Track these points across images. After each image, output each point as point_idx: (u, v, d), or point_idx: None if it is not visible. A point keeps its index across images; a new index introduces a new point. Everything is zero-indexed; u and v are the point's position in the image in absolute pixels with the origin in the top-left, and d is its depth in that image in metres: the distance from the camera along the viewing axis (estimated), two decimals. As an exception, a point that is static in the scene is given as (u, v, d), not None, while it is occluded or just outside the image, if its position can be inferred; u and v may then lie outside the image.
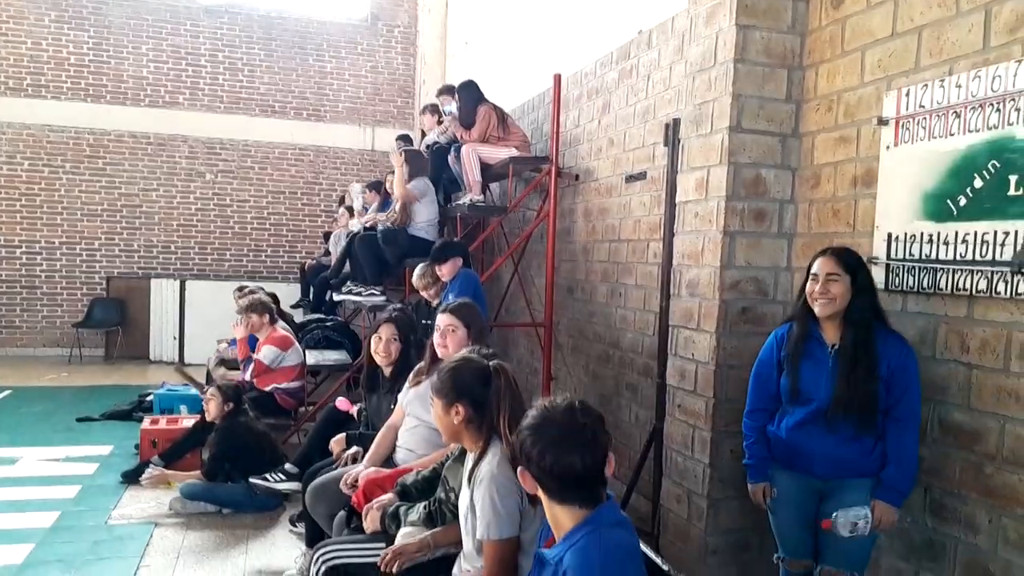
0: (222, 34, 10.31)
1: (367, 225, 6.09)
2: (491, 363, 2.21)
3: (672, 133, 3.77)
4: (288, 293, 8.81)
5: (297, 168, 10.70)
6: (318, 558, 2.45)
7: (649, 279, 4.68)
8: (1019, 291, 2.31)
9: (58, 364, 9.37)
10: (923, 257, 2.67)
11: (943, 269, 2.59)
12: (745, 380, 3.40)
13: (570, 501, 1.61)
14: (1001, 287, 2.37)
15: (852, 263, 2.50)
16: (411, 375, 3.29)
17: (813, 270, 2.55)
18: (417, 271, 4.87)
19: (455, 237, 6.39)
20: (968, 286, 2.49)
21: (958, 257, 2.53)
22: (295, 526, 4.21)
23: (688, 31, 4.25)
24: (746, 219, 3.37)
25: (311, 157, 10.72)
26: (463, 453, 2.44)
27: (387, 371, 3.63)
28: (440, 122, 7.08)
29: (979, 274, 2.45)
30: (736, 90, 3.32)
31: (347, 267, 6.56)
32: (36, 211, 9.88)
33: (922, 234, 2.68)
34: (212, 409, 4.69)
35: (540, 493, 1.66)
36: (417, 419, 3.18)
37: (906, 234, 2.75)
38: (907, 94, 2.78)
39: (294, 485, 4.10)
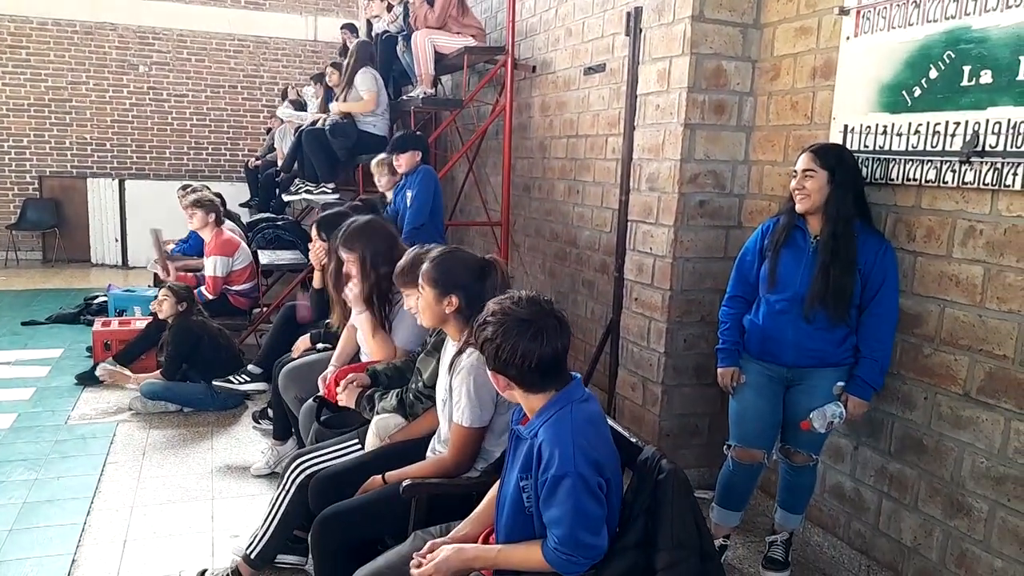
0: (148, -90, 9.64)
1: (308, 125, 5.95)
2: (487, 256, 2.27)
3: (634, 23, 3.73)
4: (233, 193, 8.61)
5: (236, 60, 10.28)
6: (294, 468, 2.53)
7: (607, 175, 4.72)
8: (966, 180, 2.42)
9: (-7, 268, 9.13)
10: (876, 148, 2.77)
11: (895, 160, 2.69)
12: (701, 273, 3.56)
13: (542, 386, 1.70)
14: (949, 176, 2.48)
15: (830, 160, 2.55)
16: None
17: (795, 165, 2.62)
18: (376, 158, 4.84)
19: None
20: (918, 176, 2.59)
21: (910, 148, 2.63)
22: (258, 423, 4.31)
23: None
24: (706, 111, 3.42)
25: (251, 48, 10.29)
26: (436, 347, 2.53)
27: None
28: (390, 8, 6.83)
29: (928, 164, 2.55)
30: (699, -22, 3.29)
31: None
32: (-43, 106, 9.36)
33: (877, 125, 2.77)
34: (165, 309, 4.67)
35: (514, 390, 1.73)
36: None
37: (862, 125, 2.83)
38: (870, -17, 2.80)
39: (259, 386, 4.18)
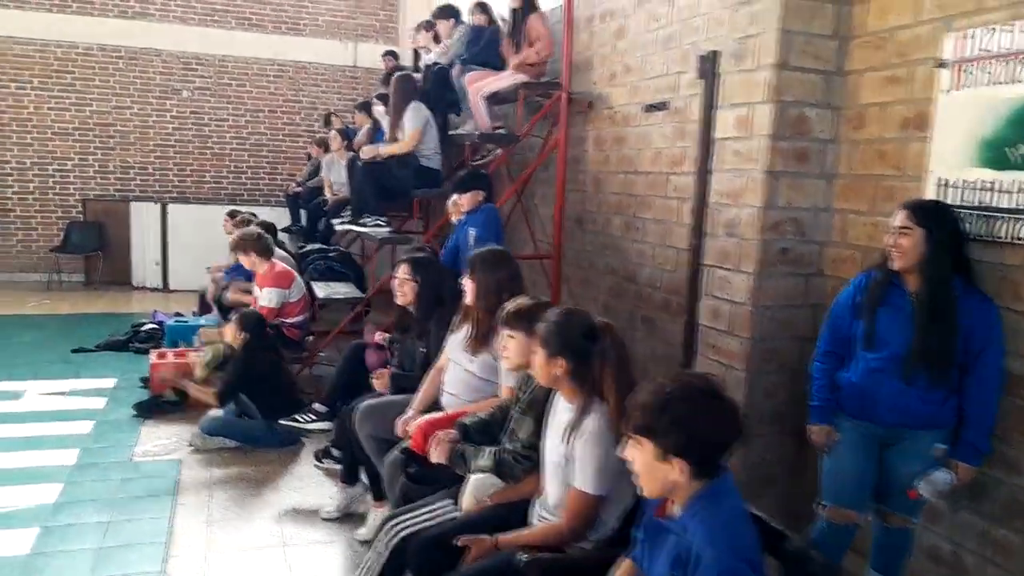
0: (195, -61, 9.77)
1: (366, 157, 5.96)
2: (598, 320, 2.25)
3: (709, 66, 3.71)
4: (273, 218, 8.58)
5: (276, 85, 10.35)
6: (390, 528, 2.49)
7: (669, 213, 4.68)
8: (1081, 243, 2.36)
9: (37, 290, 9.20)
10: (979, 204, 2.71)
11: (1001, 217, 2.63)
12: (781, 321, 3.50)
13: (707, 472, 1.66)
14: (1062, 239, 2.42)
15: (926, 217, 2.49)
16: (454, 320, 3.30)
17: (891, 221, 2.56)
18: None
19: (465, 165, 6.32)
20: (1026, 235, 2.53)
21: (1017, 206, 2.57)
22: (320, 462, 4.28)
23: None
24: (789, 159, 3.38)
25: (291, 73, 10.37)
26: (532, 404, 2.49)
27: (414, 313, 3.64)
28: (437, 39, 6.85)
29: (1039, 224, 2.49)
30: (783, 26, 3.26)
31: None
32: (4, 130, 9.48)
33: (979, 181, 2.71)
34: (228, 335, 4.66)
35: (678, 474, 1.66)
36: (458, 365, 3.21)
37: (961, 180, 2.78)
38: (970, 37, 2.76)
39: (325, 425, 4.16)
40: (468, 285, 3.15)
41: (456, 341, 3.24)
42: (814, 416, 2.80)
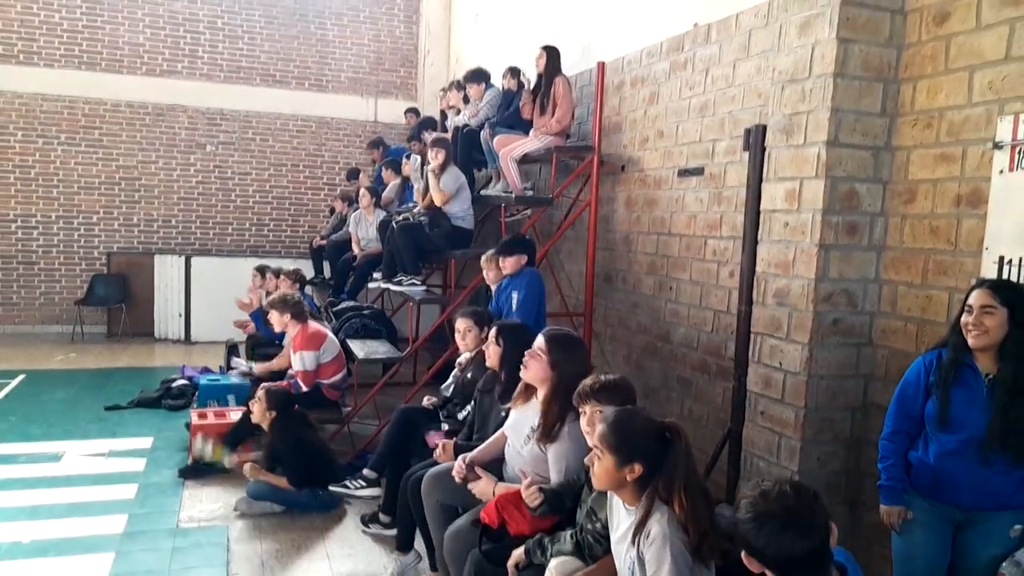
0: (221, 0, 9.96)
1: (400, 217, 6.03)
2: (668, 421, 2.23)
3: (755, 139, 3.77)
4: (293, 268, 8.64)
5: (299, 140, 10.47)
6: None
7: (707, 275, 4.72)
8: None
9: (61, 343, 9.18)
10: (1041, 283, 2.74)
11: (1064, 298, 2.65)
12: (834, 390, 3.50)
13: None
14: None
15: (1010, 296, 2.48)
16: (514, 395, 3.28)
17: (969, 301, 2.53)
18: (489, 252, 4.92)
19: (492, 223, 6.38)
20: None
21: (1081, 287, 2.60)
22: (368, 527, 4.22)
23: (757, 30, 4.26)
24: (839, 232, 3.41)
25: (313, 128, 10.49)
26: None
27: (501, 376, 3.58)
28: (467, 100, 6.96)
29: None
30: (835, 104, 3.33)
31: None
32: (31, 184, 9.55)
33: (1039, 260, 2.74)
34: (256, 413, 4.65)
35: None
36: (513, 443, 3.20)
37: (1021, 259, 2.81)
38: (1025, 121, 2.82)
39: (374, 491, 4.13)
40: (539, 367, 3.06)
41: (515, 421, 3.21)
42: (886, 497, 2.76)
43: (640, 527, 2.16)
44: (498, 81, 6.57)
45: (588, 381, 2.66)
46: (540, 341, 3.11)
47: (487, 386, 3.62)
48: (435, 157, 5.76)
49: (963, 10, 3.09)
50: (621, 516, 2.29)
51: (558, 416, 2.90)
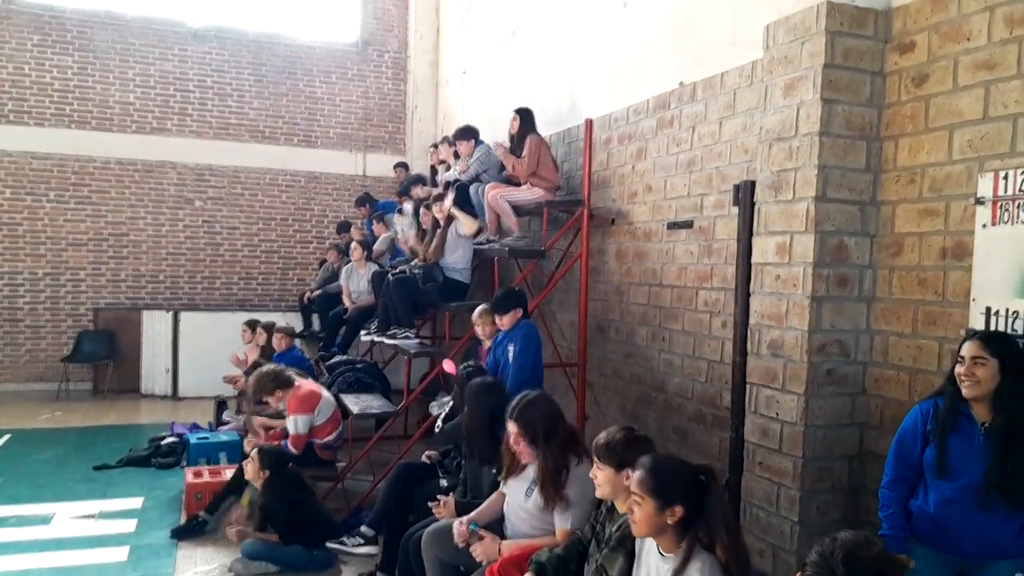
0: (211, 59, 10.12)
1: (395, 271, 6.08)
2: (701, 464, 2.27)
3: (744, 195, 3.88)
4: (284, 322, 8.57)
5: (288, 194, 10.55)
6: None
7: (699, 325, 4.79)
8: None
9: (46, 401, 9.04)
10: (1027, 334, 2.82)
11: (1052, 348, 2.73)
12: (831, 440, 3.55)
13: None
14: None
15: (1000, 348, 2.56)
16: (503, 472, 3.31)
17: (961, 352, 2.60)
18: (480, 309, 4.93)
19: (491, 276, 6.45)
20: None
21: (1068, 336, 2.69)
22: (365, 586, 4.17)
23: (742, 89, 4.41)
24: (831, 284, 3.50)
25: (302, 183, 10.58)
26: (621, 542, 2.49)
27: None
28: (456, 155, 7.08)
29: (1093, 355, 2.59)
30: (821, 161, 3.45)
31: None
32: (18, 240, 9.51)
33: (1025, 311, 2.83)
34: (250, 472, 4.61)
35: None
36: (514, 501, 3.22)
37: (1008, 310, 2.90)
38: (1005, 177, 2.94)
39: (371, 549, 4.09)
40: (526, 451, 3.11)
41: (516, 484, 3.24)
42: (888, 545, 2.78)
43: (680, 573, 2.17)
44: (488, 137, 6.70)
45: (600, 438, 2.67)
46: (511, 426, 3.15)
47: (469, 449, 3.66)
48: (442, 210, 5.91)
49: (940, 72, 3.24)
50: (653, 565, 2.31)
51: (558, 472, 2.98)
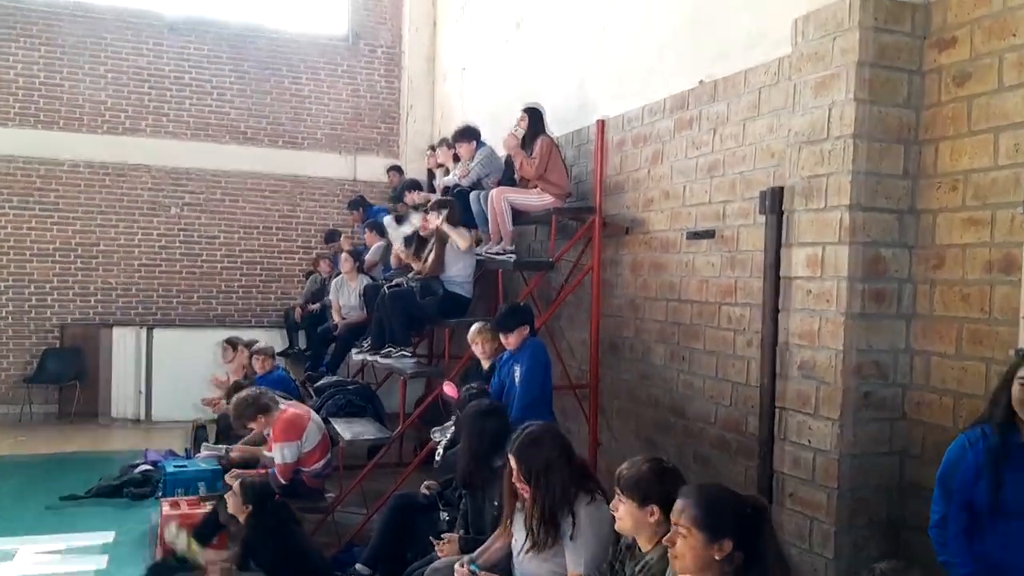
0: (188, 54, 10.19)
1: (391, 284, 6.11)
2: (754, 496, 2.27)
3: (772, 202, 3.90)
4: (265, 340, 8.59)
5: (272, 200, 10.59)
6: None
7: (723, 344, 4.80)
8: None
9: (7, 425, 9.06)
10: (1083, 354, 2.83)
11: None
12: (867, 469, 3.55)
13: None
14: None
15: None
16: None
17: (1020, 375, 2.59)
18: (478, 326, 4.93)
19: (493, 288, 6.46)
20: None
21: None
22: (359, 627, 4.17)
23: (767, 88, 4.45)
24: (867, 300, 3.51)
25: (287, 188, 10.62)
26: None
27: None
28: (456, 159, 7.12)
29: None
30: (855, 167, 3.47)
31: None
32: (-22, 251, 9.57)
33: (1080, 330, 2.85)
34: (232, 506, 4.62)
35: None
36: (518, 540, 3.23)
37: (1060, 329, 2.92)
38: (1055, 184, 2.96)
39: (368, 587, 4.09)
40: (519, 477, 3.12)
41: (521, 520, 3.25)
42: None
43: None
44: (491, 140, 6.74)
45: (624, 469, 2.68)
46: (512, 461, 3.16)
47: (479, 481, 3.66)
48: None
49: (984, 70, 3.27)
50: None
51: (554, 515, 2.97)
